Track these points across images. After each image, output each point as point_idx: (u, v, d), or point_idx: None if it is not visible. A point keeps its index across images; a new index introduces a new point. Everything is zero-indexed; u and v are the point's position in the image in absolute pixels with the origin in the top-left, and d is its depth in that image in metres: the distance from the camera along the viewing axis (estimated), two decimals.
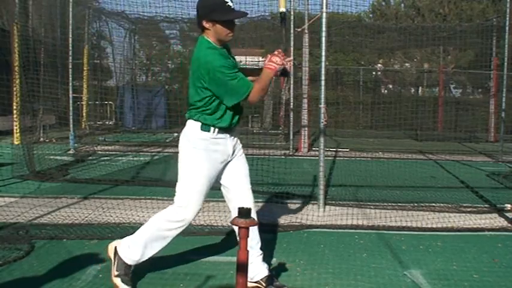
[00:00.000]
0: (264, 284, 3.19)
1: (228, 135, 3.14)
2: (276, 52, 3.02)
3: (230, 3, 3.01)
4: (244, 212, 2.28)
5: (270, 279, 3.24)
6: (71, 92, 10.95)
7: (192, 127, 3.09)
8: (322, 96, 5.57)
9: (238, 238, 2.96)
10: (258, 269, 3.19)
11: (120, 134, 15.11)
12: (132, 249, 3.11)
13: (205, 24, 3.02)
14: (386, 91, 23.94)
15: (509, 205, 5.74)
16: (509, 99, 12.72)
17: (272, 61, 2.99)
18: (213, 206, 5.40)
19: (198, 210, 3.15)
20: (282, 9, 3.29)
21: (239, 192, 3.20)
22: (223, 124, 3.08)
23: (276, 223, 4.89)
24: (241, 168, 3.25)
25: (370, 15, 26.49)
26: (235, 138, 3.23)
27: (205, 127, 3.06)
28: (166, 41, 19.94)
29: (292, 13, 11.43)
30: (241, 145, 3.30)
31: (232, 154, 3.20)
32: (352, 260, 3.91)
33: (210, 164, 3.08)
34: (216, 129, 3.08)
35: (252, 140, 13.13)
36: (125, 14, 13.96)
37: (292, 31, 11.37)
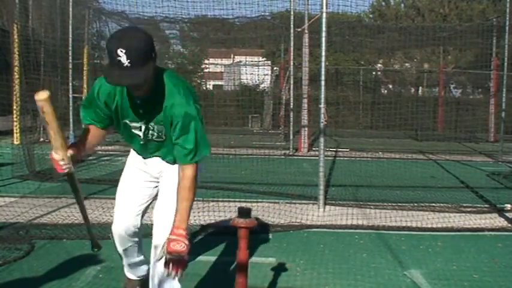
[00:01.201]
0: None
1: (145, 159, 2.87)
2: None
3: (120, 55, 2.12)
4: (244, 212, 2.29)
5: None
6: (70, 92, 10.95)
7: None
8: (322, 96, 5.58)
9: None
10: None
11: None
12: None
13: None
14: (386, 91, 23.97)
15: (509, 205, 5.74)
16: (509, 99, 12.75)
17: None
18: (213, 206, 5.40)
19: (122, 221, 2.93)
20: None
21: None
22: (126, 142, 2.89)
23: (276, 223, 4.89)
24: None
25: (370, 16, 26.50)
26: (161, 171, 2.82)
27: None
28: (166, 41, 19.92)
29: (292, 13, 11.44)
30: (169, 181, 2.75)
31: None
32: (352, 260, 3.90)
33: (130, 174, 3.01)
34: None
35: (252, 140, 13.17)
36: (125, 14, 13.93)
37: (292, 31, 11.38)
